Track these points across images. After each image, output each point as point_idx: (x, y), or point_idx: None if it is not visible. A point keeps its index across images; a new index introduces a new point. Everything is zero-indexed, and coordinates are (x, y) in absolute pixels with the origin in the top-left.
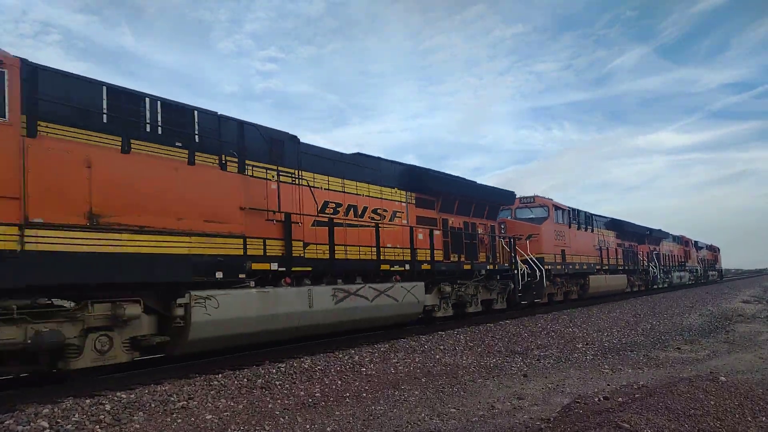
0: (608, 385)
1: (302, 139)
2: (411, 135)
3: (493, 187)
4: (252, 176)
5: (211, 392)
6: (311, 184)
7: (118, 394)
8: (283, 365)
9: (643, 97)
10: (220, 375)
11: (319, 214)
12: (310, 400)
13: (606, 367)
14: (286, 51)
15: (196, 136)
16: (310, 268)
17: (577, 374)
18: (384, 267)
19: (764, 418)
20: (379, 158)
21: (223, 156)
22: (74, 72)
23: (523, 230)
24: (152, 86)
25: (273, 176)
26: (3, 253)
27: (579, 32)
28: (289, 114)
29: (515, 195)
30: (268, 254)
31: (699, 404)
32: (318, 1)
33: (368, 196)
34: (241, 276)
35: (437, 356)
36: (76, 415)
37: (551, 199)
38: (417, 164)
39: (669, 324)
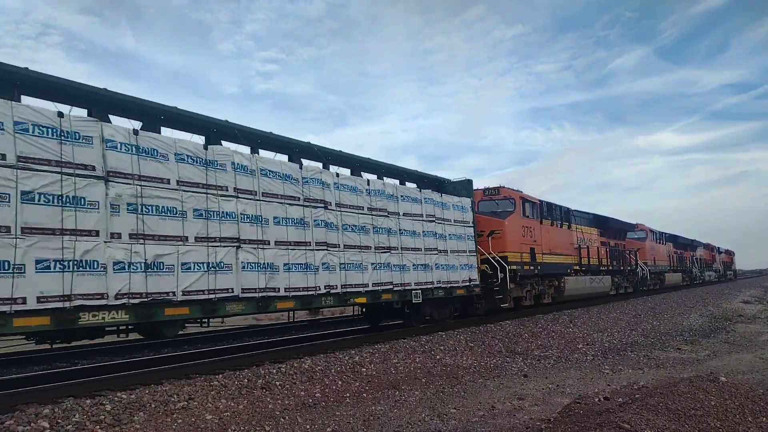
0: (608, 385)
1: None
2: (411, 136)
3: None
4: (569, 230)
5: (212, 392)
6: (580, 230)
7: (119, 394)
8: (283, 365)
9: (643, 98)
10: (220, 375)
11: (580, 245)
12: (311, 401)
13: (606, 367)
14: (287, 52)
15: (562, 218)
16: (585, 268)
17: (577, 374)
18: (602, 268)
19: (765, 419)
20: (593, 214)
21: (566, 223)
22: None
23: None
24: (153, 86)
25: (574, 228)
26: (566, 266)
27: (579, 33)
28: (289, 115)
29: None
30: (581, 263)
31: (699, 405)
32: (318, 2)
33: (589, 234)
34: (569, 271)
35: (437, 356)
36: (77, 416)
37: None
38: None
39: (669, 324)
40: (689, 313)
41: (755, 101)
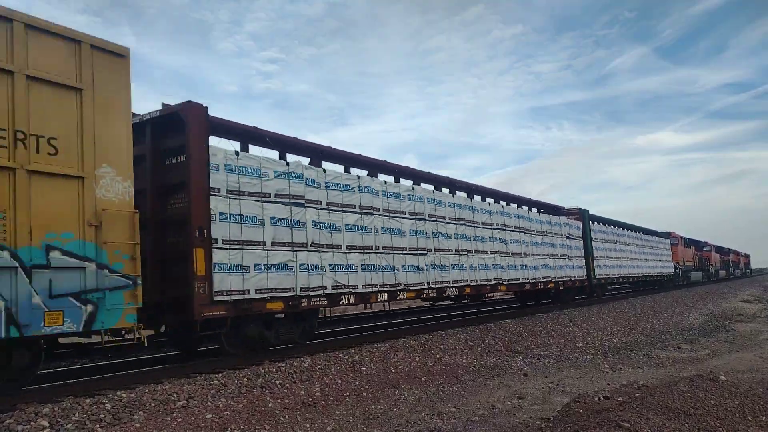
0: (608, 384)
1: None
2: (411, 135)
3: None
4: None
5: (211, 392)
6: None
7: (119, 393)
8: (283, 365)
9: (642, 98)
10: (220, 374)
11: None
12: (310, 400)
13: (606, 366)
14: (286, 51)
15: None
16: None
17: (577, 373)
18: None
19: (765, 418)
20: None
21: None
22: None
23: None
24: (153, 87)
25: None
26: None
27: (578, 33)
28: (289, 114)
29: None
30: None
31: (699, 403)
32: (318, 2)
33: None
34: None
35: (437, 355)
36: (77, 414)
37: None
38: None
39: (669, 323)
40: (689, 312)
41: (754, 100)
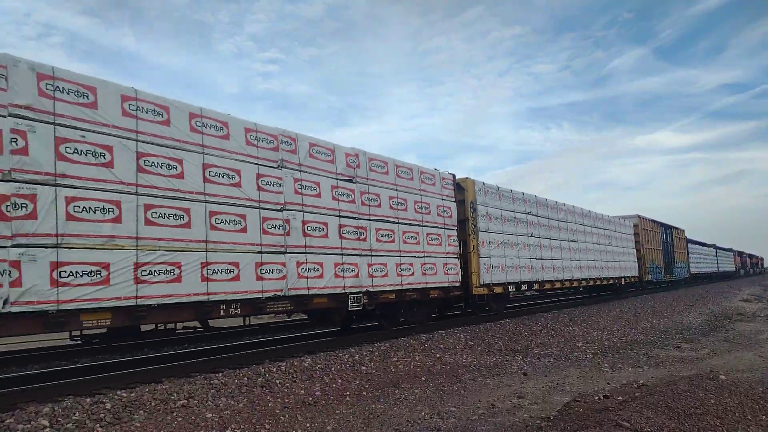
0: (608, 383)
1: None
2: (411, 135)
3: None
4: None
5: (212, 391)
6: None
7: (119, 392)
8: (283, 364)
9: (641, 98)
10: (220, 374)
11: None
12: (311, 399)
13: (606, 365)
14: (287, 52)
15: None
16: None
17: (577, 373)
18: None
19: (765, 417)
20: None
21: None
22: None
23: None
24: (154, 87)
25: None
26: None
27: (577, 34)
28: (289, 115)
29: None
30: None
31: (699, 403)
32: (318, 3)
33: None
34: None
35: (437, 355)
36: (77, 414)
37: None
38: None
39: (669, 322)
40: (689, 311)
41: (753, 101)
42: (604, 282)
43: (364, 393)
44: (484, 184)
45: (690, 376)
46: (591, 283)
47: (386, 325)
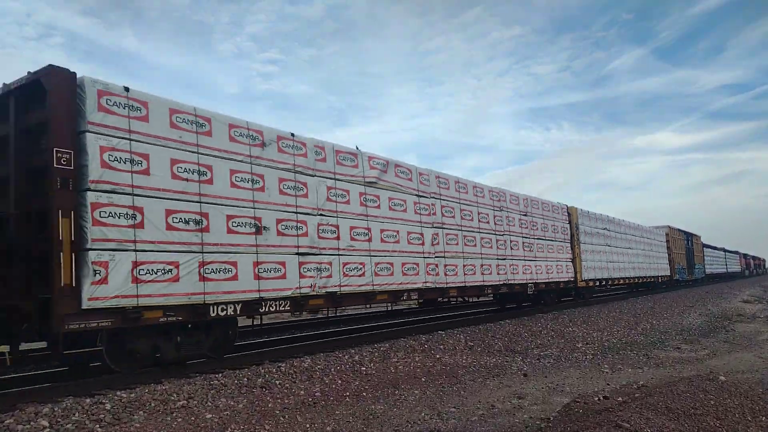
0: (608, 384)
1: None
2: (411, 135)
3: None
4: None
5: (211, 391)
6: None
7: (118, 393)
8: (283, 365)
9: (641, 98)
10: (220, 374)
11: None
12: (310, 400)
13: (606, 366)
14: (287, 53)
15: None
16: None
17: (577, 374)
18: None
19: (764, 418)
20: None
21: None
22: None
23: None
24: (155, 87)
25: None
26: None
27: (577, 34)
28: (289, 115)
29: None
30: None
31: (699, 404)
32: (318, 3)
33: None
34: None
35: (437, 355)
36: (77, 414)
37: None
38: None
39: (669, 323)
40: (689, 312)
41: (753, 101)
42: (647, 280)
43: (364, 394)
44: (581, 210)
45: (690, 377)
46: (639, 280)
47: (536, 304)
